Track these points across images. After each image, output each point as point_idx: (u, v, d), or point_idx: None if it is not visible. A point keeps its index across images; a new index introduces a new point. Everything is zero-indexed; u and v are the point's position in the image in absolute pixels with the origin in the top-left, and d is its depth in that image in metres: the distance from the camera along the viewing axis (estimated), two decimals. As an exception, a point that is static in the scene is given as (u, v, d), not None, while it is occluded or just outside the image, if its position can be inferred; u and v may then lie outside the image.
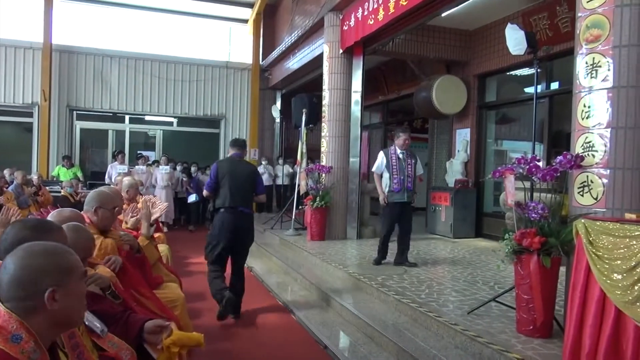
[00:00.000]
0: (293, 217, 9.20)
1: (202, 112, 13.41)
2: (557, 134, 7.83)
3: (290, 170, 12.63)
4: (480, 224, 8.76)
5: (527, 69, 8.17)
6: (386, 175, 5.91)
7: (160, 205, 4.79)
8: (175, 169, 11.66)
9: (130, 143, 13.15)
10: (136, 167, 10.94)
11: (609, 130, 3.30)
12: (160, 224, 7.03)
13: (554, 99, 7.62)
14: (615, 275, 2.78)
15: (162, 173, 11.03)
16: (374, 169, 5.93)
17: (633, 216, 3.01)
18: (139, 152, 12.19)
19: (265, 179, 12.85)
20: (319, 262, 6.57)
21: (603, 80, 3.33)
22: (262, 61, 13.77)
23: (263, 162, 12.90)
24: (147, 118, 13.27)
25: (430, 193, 9.00)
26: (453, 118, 9.41)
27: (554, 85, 7.77)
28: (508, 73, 8.81)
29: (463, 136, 9.21)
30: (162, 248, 5.23)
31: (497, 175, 3.75)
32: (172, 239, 8.79)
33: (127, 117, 13.11)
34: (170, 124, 13.57)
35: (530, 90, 8.00)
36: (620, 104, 3.27)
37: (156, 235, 5.99)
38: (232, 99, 13.63)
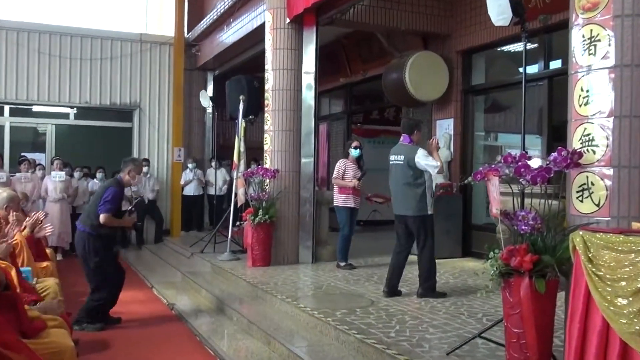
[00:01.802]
0: (229, 236, 9.15)
1: (108, 100, 13.16)
2: (561, 124, 8.11)
3: (227, 176, 12.59)
4: (468, 239, 8.96)
5: (522, 42, 8.44)
6: (434, 176, 6.12)
7: (47, 226, 4.70)
8: (72, 175, 11.41)
9: (11, 142, 12.74)
10: (17, 174, 10.64)
11: (611, 119, 3.44)
12: (48, 251, 6.84)
13: (555, 81, 7.89)
14: (619, 300, 2.89)
15: (55, 182, 10.75)
16: (440, 168, 6.03)
17: (641, 226, 3.15)
18: (22, 154, 11.84)
19: (193, 188, 12.77)
20: (262, 295, 6.56)
21: (603, 57, 3.48)
22: (187, 33, 13.66)
23: (190, 165, 12.79)
24: (35, 109, 12.91)
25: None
26: (432, 106, 9.60)
27: (555, 64, 8.05)
28: (499, 49, 9.06)
29: (445, 129, 9.40)
30: (50, 282, 5.11)
31: (478, 177, 3.86)
32: (66, 269, 8.57)
33: (6, 108, 12.71)
34: (66, 116, 13.26)
35: (528, 70, 8.26)
36: (624, 87, 3.42)
37: (43, 265, 5.86)
38: (148, 82, 13.44)
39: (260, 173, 8.24)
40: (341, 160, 7.96)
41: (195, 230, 12.65)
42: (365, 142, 12.55)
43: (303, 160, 8.54)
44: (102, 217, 5.75)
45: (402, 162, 6.06)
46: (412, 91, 8.95)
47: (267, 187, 8.28)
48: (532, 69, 8.10)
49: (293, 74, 8.43)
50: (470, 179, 4.00)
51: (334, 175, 7.91)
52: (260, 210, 8.04)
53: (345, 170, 7.80)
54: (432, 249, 6.07)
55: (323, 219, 8.85)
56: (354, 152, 7.87)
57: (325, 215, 8.88)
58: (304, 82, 8.55)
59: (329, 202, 8.67)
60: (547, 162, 3.65)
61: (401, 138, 6.26)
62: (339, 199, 7.83)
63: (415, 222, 6.03)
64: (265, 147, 8.55)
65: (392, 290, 6.16)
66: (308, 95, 8.57)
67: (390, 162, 6.27)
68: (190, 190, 12.79)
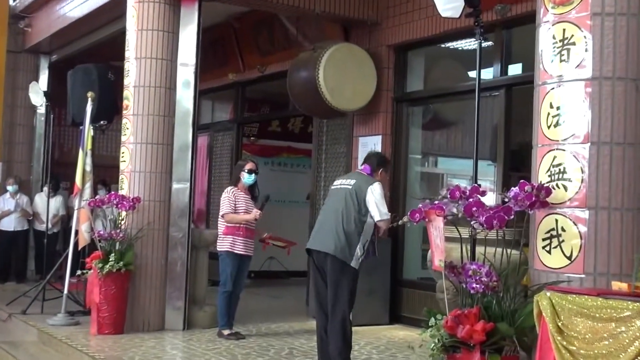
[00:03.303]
0: (65, 291, 8.86)
1: None
2: (521, 147, 8.45)
3: (62, 209, 12.36)
4: (398, 300, 9.11)
5: (474, 39, 8.79)
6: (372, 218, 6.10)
7: None
8: None
9: None
10: None
11: (587, 146, 3.66)
12: None
13: (514, 91, 8.23)
14: (596, 384, 3.05)
15: None
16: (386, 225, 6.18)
17: (624, 286, 3.33)
18: None
19: (14, 221, 12.35)
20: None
21: (578, 66, 3.70)
22: (14, 0, 13.30)
23: (10, 189, 12.30)
24: None
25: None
26: (354, 117, 9.75)
27: (515, 69, 8.42)
28: (444, 45, 9.37)
29: (370, 149, 9.55)
30: None
31: (417, 217, 3.96)
32: None
33: None
34: None
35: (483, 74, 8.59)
36: (604, 106, 3.65)
37: None
38: (-48, 67, 12.96)
39: (114, 202, 8.07)
40: (229, 189, 7.89)
41: (14, 282, 12.18)
42: (261, 162, 12.56)
43: (175, 185, 8.44)
44: None
45: (349, 188, 6.13)
46: (327, 96, 9.01)
47: (122, 223, 8.11)
48: (486, 75, 8.41)
49: (165, 65, 8.35)
50: (406, 219, 4.10)
51: (224, 210, 7.76)
52: (112, 254, 7.84)
53: (236, 202, 7.76)
54: (347, 310, 6.10)
55: (200, 269, 8.74)
56: (247, 178, 7.85)
57: (203, 263, 8.79)
58: (180, 77, 8.48)
59: (208, 245, 8.58)
60: (506, 200, 3.81)
61: (360, 166, 6.43)
62: (225, 242, 7.75)
63: (334, 265, 6.05)
64: (122, 165, 8.39)
65: None
66: (185, 96, 8.50)
67: (332, 187, 6.40)
68: (10, 224, 12.30)
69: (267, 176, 12.68)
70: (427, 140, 10.06)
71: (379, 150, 9.46)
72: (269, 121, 13.72)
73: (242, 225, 7.74)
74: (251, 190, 7.96)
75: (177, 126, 8.49)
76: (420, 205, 4.01)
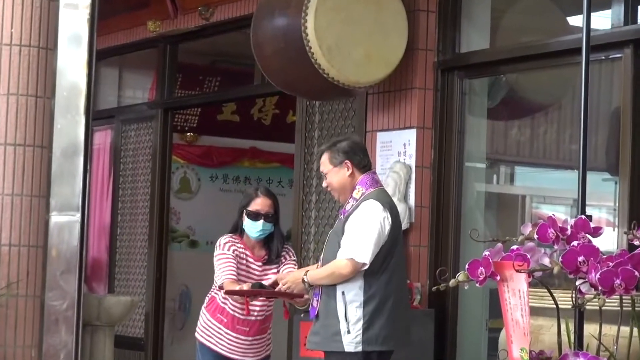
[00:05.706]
0: None
1: None
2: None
3: None
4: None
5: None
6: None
7: None
8: None
9: None
10: None
11: None
12: None
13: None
14: None
15: None
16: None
17: None
18: None
19: None
20: None
21: None
22: None
23: None
24: None
25: (300, 323, 9.17)
26: (367, 99, 9.77)
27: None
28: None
29: (398, 153, 9.57)
30: None
31: (480, 273, 3.92)
32: None
33: None
34: None
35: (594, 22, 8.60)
36: None
37: None
38: None
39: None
40: (227, 239, 7.68)
41: None
42: (206, 176, 12.70)
43: (56, 218, 8.42)
44: None
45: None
46: (320, 61, 9.03)
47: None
48: (600, 23, 8.39)
49: (37, 7, 8.42)
50: (462, 277, 4.08)
51: (220, 278, 7.50)
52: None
53: (237, 261, 7.51)
54: None
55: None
56: (250, 227, 7.55)
57: (104, 354, 8.80)
58: (64, 28, 8.50)
59: (114, 322, 8.60)
60: (637, 242, 3.79)
61: (374, 178, 6.70)
62: (200, 327, 7.80)
63: None
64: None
65: None
66: (72, 61, 8.49)
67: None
68: None
69: (215, 201, 12.71)
70: (496, 137, 10.10)
71: (412, 154, 9.45)
72: (219, 104, 13.73)
73: (230, 309, 7.55)
74: (267, 244, 7.69)
75: (58, 114, 8.47)
76: (487, 253, 3.98)
